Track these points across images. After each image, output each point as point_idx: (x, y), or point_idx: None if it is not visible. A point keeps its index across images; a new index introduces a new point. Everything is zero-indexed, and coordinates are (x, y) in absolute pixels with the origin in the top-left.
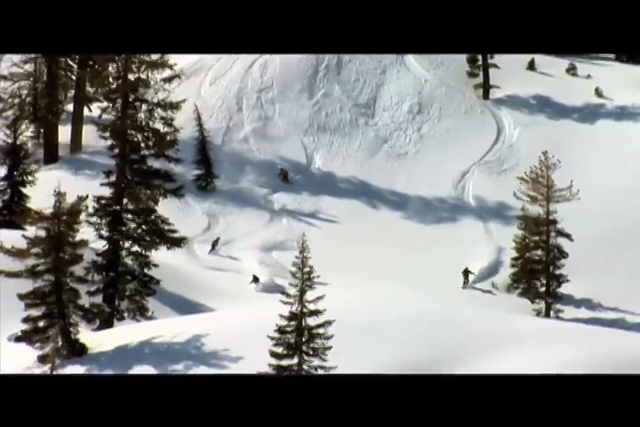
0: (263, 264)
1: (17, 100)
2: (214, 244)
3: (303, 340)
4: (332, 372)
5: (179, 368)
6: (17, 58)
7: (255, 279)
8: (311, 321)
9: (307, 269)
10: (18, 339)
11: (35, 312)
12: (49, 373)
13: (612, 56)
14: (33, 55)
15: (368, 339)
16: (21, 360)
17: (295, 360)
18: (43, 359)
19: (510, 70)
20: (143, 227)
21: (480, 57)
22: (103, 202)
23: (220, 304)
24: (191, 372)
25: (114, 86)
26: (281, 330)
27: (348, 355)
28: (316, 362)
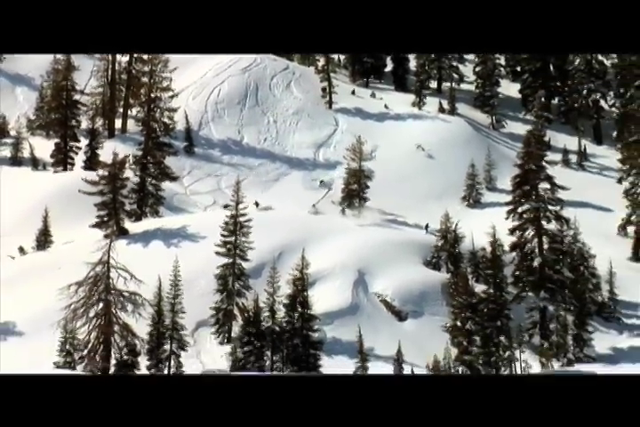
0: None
1: (94, 106)
2: None
3: (237, 227)
4: (251, 245)
5: (174, 241)
6: (95, 83)
7: (256, 204)
8: (241, 219)
9: (240, 193)
10: (93, 226)
11: (102, 212)
12: (107, 254)
13: (391, 87)
14: (103, 82)
15: (266, 229)
16: (95, 236)
17: (233, 238)
18: (106, 237)
19: (343, 94)
20: (157, 170)
21: (327, 88)
22: (137, 157)
23: (196, 210)
24: (181, 244)
25: (143, 100)
26: (226, 223)
27: (258, 237)
28: (243, 239)
